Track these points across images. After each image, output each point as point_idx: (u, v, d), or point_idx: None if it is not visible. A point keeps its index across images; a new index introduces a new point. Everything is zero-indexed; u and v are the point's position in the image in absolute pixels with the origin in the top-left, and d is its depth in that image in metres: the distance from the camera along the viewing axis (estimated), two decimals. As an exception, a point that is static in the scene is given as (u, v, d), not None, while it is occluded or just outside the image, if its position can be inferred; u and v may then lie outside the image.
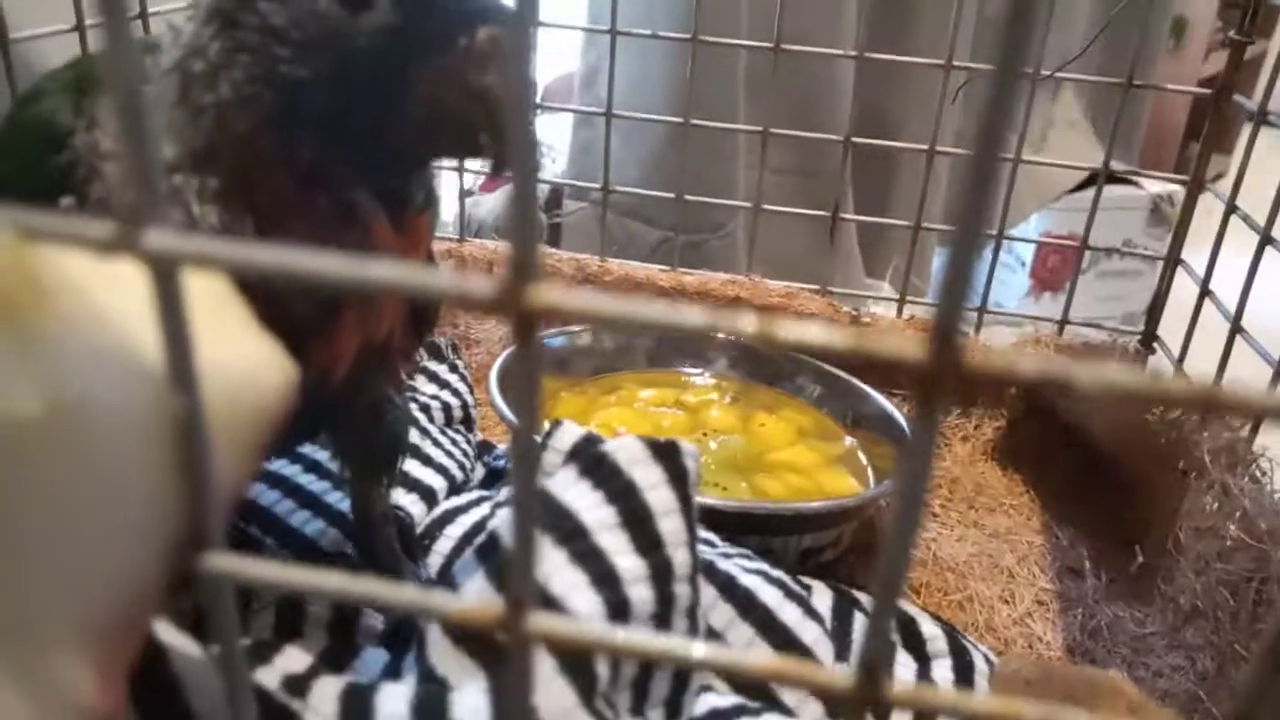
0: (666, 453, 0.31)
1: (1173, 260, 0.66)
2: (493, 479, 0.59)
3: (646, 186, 1.16)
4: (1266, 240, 0.54)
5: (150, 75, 0.30)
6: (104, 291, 0.16)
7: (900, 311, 0.72)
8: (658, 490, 0.30)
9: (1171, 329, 0.67)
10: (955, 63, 0.64)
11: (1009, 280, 2.38)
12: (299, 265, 0.15)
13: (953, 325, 0.14)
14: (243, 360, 0.19)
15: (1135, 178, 2.38)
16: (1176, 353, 0.63)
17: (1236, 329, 0.56)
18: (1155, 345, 0.67)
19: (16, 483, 0.14)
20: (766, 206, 0.71)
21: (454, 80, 0.29)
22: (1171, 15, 2.54)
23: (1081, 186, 2.15)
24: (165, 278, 0.15)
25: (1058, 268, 2.36)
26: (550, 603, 0.27)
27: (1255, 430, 0.53)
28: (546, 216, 1.51)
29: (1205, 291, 0.60)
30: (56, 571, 0.15)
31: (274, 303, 0.31)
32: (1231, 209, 0.59)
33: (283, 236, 0.30)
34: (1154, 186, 2.34)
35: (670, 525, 0.29)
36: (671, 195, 0.73)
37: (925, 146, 0.67)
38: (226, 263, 0.15)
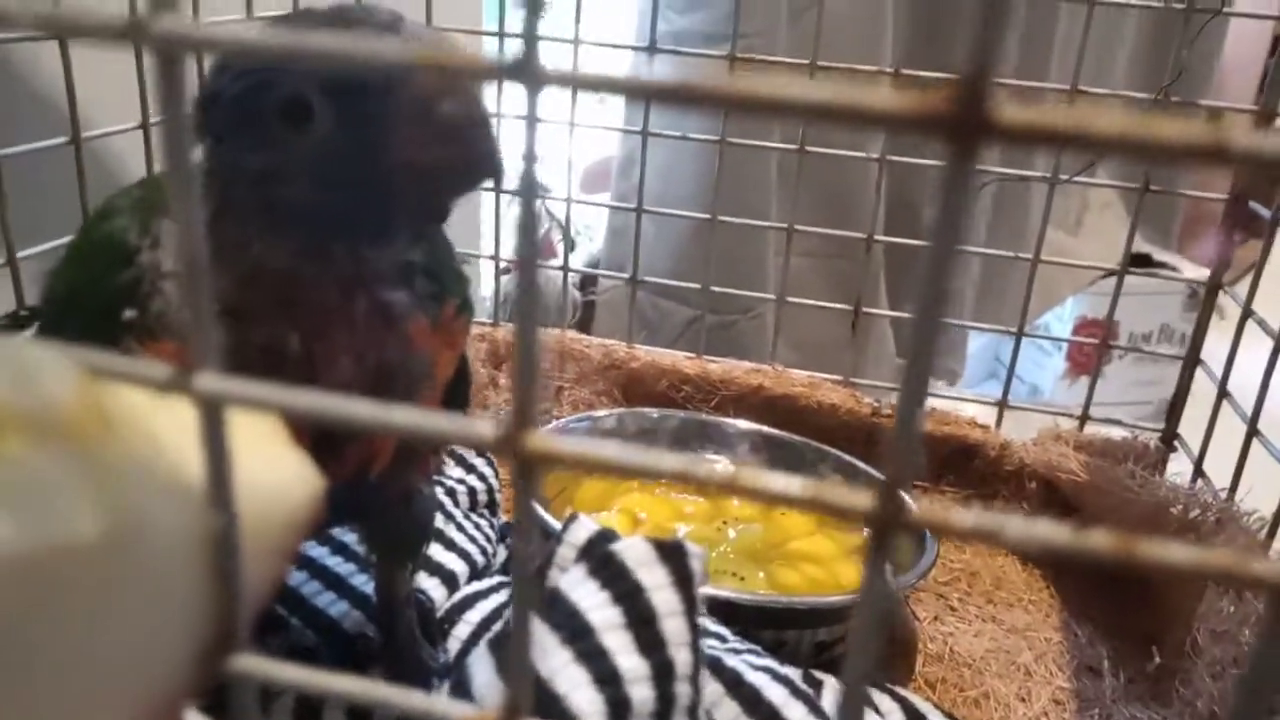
0: (673, 554, 0.33)
1: (1192, 360, 0.67)
2: (516, 561, 0.60)
3: (677, 269, 1.19)
4: (1280, 346, 0.55)
5: None
6: (157, 417, 0.18)
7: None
8: (663, 592, 0.31)
9: (1197, 424, 0.67)
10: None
11: (1044, 363, 2.37)
12: (328, 408, 0.17)
13: (902, 479, 0.15)
14: (275, 475, 0.21)
15: (1173, 261, 2.37)
16: (1197, 449, 0.64)
17: (1253, 431, 0.57)
18: (1176, 444, 0.68)
19: (69, 600, 0.16)
20: (791, 299, 0.73)
21: (413, 140, 0.30)
22: (1206, 108, 2.55)
23: (1114, 272, 2.14)
24: (213, 416, 0.17)
25: (1092, 352, 2.35)
26: (552, 700, 0.28)
27: (1272, 536, 0.53)
28: (582, 294, 1.54)
29: (1223, 393, 0.61)
30: (99, 680, 0.17)
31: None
32: (1248, 313, 0.60)
33: (326, 346, 0.32)
34: (1190, 271, 2.33)
35: (674, 626, 0.31)
36: (698, 286, 0.75)
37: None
38: (268, 404, 0.17)
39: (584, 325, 1.60)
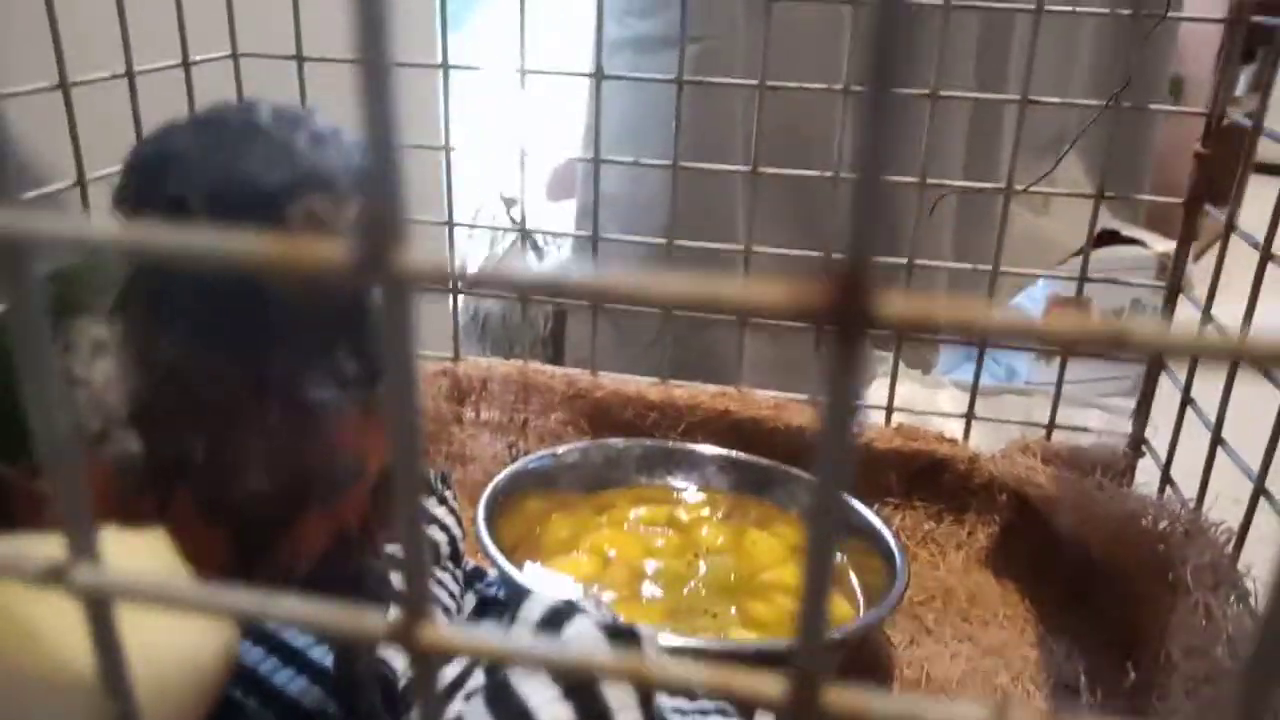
0: (626, 640, 0.32)
1: (1157, 363, 0.67)
2: (484, 608, 0.59)
3: (644, 283, 1.18)
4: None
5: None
6: (34, 604, 0.17)
7: (889, 420, 0.72)
8: (617, 686, 0.31)
9: (1166, 422, 0.66)
10: (929, 180, 0.66)
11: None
12: (218, 601, 0.16)
13: (816, 666, 0.14)
14: (180, 635, 0.20)
15: (1143, 237, 2.38)
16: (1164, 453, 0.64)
17: (1217, 439, 0.56)
18: (1144, 448, 0.68)
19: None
20: (756, 319, 0.72)
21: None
22: (1169, 76, 2.57)
23: (1085, 250, 2.15)
24: (98, 610, 0.16)
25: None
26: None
27: (1239, 547, 0.53)
28: (552, 304, 1.53)
29: (1187, 400, 0.60)
30: None
31: (232, 504, 0.32)
32: (1208, 318, 0.60)
33: (235, 454, 0.31)
34: (1160, 245, 2.34)
35: (627, 720, 0.30)
36: (658, 310, 0.74)
37: (904, 260, 0.68)
38: (157, 597, 0.16)
39: (556, 335, 1.59)
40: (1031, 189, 0.66)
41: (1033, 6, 0.61)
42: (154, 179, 0.31)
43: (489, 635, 0.15)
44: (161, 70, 0.64)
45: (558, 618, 0.35)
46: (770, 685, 0.15)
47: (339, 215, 0.30)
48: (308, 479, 0.32)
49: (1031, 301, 2.29)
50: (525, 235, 1.70)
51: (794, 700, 0.14)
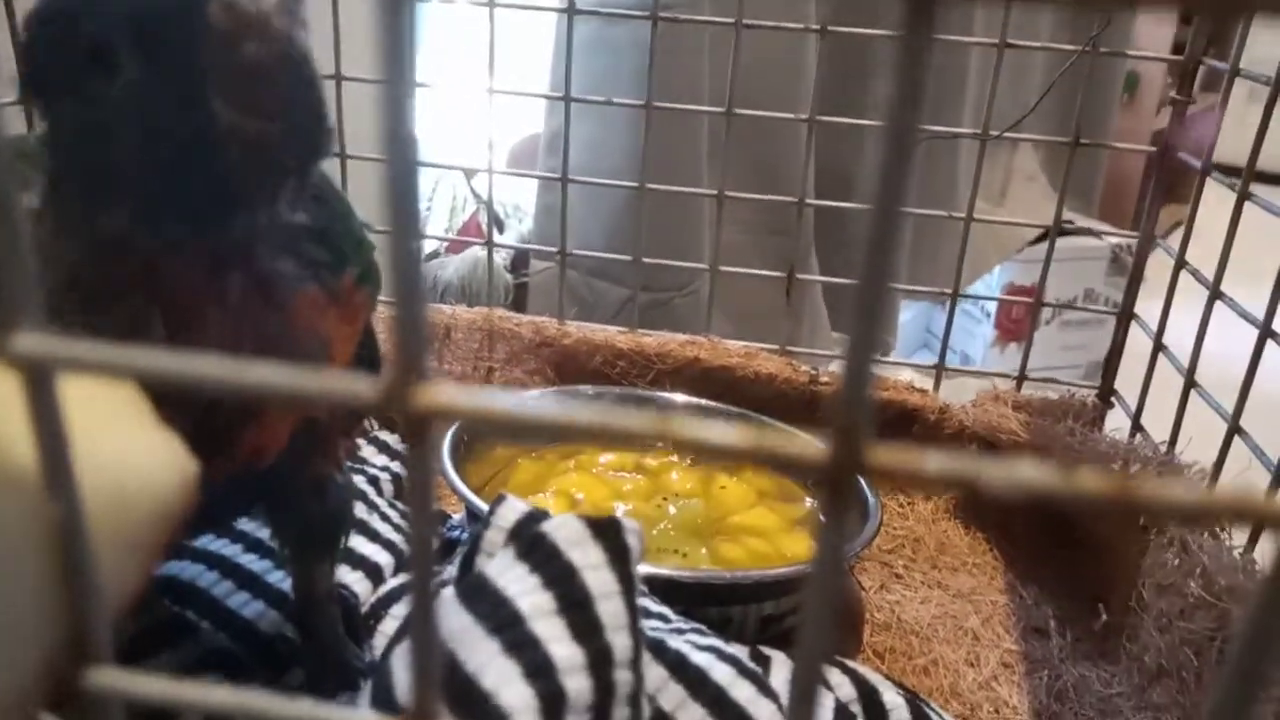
0: (607, 531, 0.30)
1: (1126, 315, 0.67)
2: (447, 550, 0.57)
3: (610, 246, 1.16)
4: (1216, 295, 0.54)
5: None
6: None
7: (859, 370, 0.71)
8: (598, 572, 0.29)
9: (1131, 380, 0.67)
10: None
11: (974, 331, 2.40)
12: (174, 366, 0.14)
13: (857, 422, 0.13)
14: (136, 458, 0.18)
15: (1096, 228, 2.42)
16: (1134, 405, 0.64)
17: (1190, 383, 0.56)
18: (1113, 399, 0.68)
19: None
20: (724, 268, 0.71)
21: (223, 96, 0.26)
22: (1124, 71, 2.62)
23: (1043, 238, 2.18)
24: (39, 383, 0.14)
25: (1022, 318, 2.39)
26: (480, 698, 0.26)
27: (1213, 485, 0.53)
28: (513, 276, 1.51)
29: (1159, 347, 0.60)
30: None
31: (190, 390, 0.30)
32: (1181, 264, 0.60)
33: (194, 328, 0.28)
34: (1114, 237, 2.38)
35: (610, 608, 0.29)
36: (630, 258, 0.73)
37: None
38: (103, 367, 0.14)
39: (517, 308, 1.56)
40: (1004, 134, 0.66)
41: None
42: (67, 29, 0.28)
43: (489, 398, 0.14)
44: None
45: (533, 519, 0.33)
46: (811, 447, 0.13)
47: (253, 29, 0.26)
48: (269, 356, 0.30)
49: (988, 289, 2.32)
50: (488, 208, 1.67)
51: (836, 458, 0.13)
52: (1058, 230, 0.67)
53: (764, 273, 0.72)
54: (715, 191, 0.70)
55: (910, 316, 2.27)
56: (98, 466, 0.16)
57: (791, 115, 0.66)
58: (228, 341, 0.29)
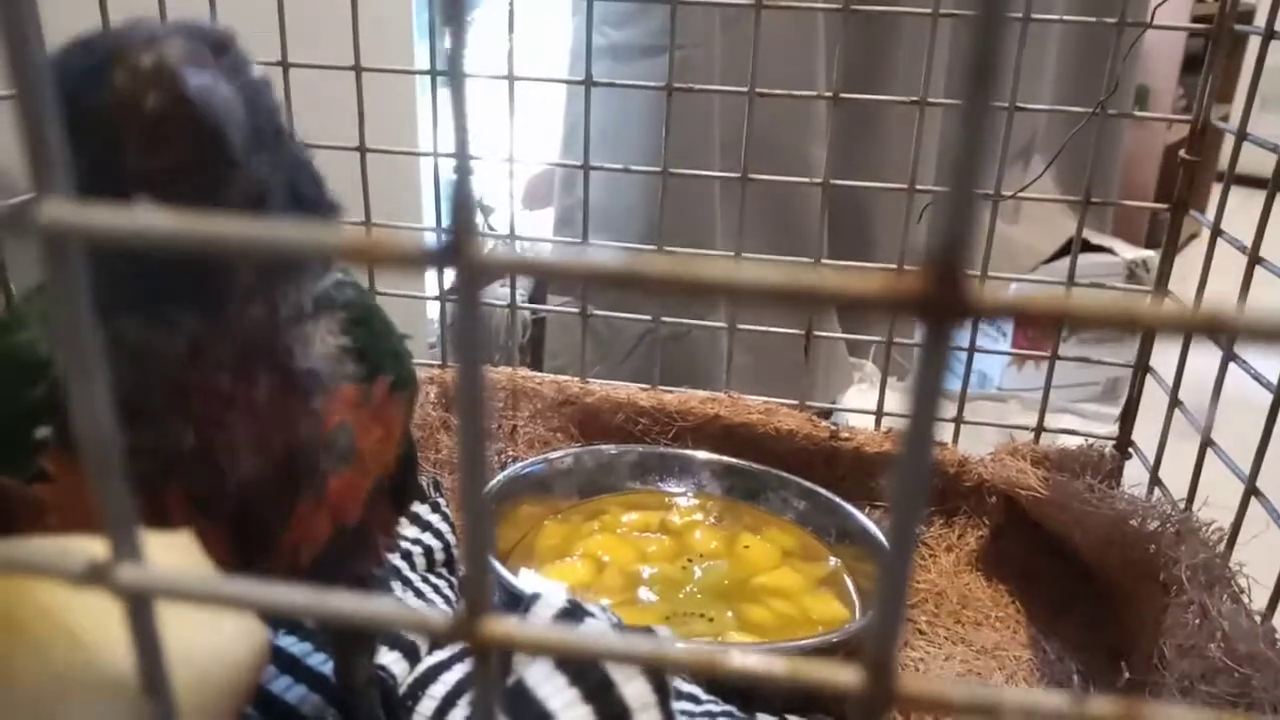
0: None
1: (1142, 367, 0.68)
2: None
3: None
4: (1230, 357, 0.55)
5: None
6: (72, 604, 0.17)
7: (878, 423, 0.73)
8: (634, 683, 0.30)
9: (1152, 419, 0.67)
10: (919, 186, 0.66)
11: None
12: (266, 598, 0.15)
13: (887, 672, 0.14)
14: (215, 638, 0.19)
15: (1110, 244, 2.41)
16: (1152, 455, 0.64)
17: (1207, 442, 0.57)
18: (1131, 450, 0.68)
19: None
20: (742, 326, 0.72)
21: (135, 148, 0.27)
22: (1135, 86, 2.62)
23: (1057, 255, 2.19)
24: (139, 608, 0.16)
25: (1038, 338, 2.38)
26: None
27: (1230, 546, 0.54)
28: (531, 313, 1.52)
29: (1174, 403, 0.61)
30: None
31: (226, 495, 0.31)
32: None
33: (225, 436, 0.30)
34: (1129, 252, 2.38)
35: (647, 720, 0.30)
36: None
37: (895, 265, 0.68)
38: (198, 594, 0.16)
39: (535, 344, 1.58)
40: (1018, 195, 0.67)
41: (1019, 15, 0.61)
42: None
43: (549, 630, 0.15)
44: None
45: (571, 615, 0.34)
46: (846, 674, 0.14)
47: (160, 50, 0.27)
48: (299, 460, 0.31)
49: (1004, 308, 2.31)
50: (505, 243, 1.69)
51: (870, 689, 0.14)
52: (1080, 245, 0.68)
53: (782, 330, 0.73)
54: (732, 254, 0.71)
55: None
56: (184, 658, 0.17)
57: (806, 180, 0.67)
58: (256, 447, 0.30)
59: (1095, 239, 2.30)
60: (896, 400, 0.97)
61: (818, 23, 1.34)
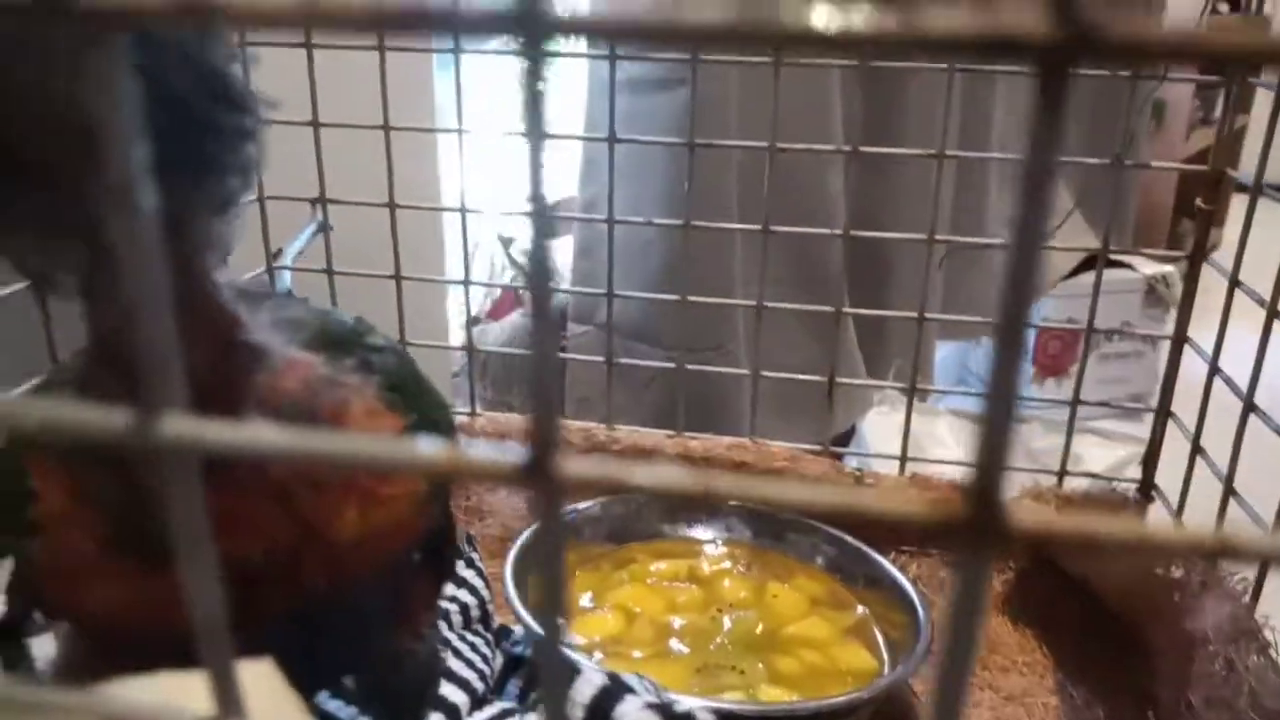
0: (682, 725, 0.33)
1: (1164, 411, 0.68)
2: (511, 667, 0.60)
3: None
4: (1250, 408, 0.56)
5: None
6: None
7: (902, 468, 0.73)
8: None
9: (1175, 461, 0.67)
10: (938, 235, 0.67)
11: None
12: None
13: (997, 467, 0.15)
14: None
15: (1130, 260, 2.41)
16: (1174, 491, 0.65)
17: (1229, 491, 0.58)
18: (1154, 494, 0.69)
19: None
20: (766, 374, 0.73)
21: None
22: (1151, 101, 2.62)
23: (1076, 272, 2.19)
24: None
25: (1059, 353, 2.38)
26: None
27: (1255, 598, 0.54)
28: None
29: (1196, 449, 0.62)
30: None
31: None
32: (1214, 370, 0.61)
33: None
34: (1148, 268, 2.38)
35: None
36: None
37: (915, 313, 0.69)
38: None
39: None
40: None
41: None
42: None
43: (618, 469, 0.16)
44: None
45: (610, 697, 0.36)
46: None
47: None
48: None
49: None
50: (526, 273, 1.71)
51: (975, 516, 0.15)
52: (1105, 260, 0.69)
53: (805, 377, 0.74)
54: (754, 303, 0.72)
55: (945, 353, 2.28)
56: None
57: (827, 230, 0.68)
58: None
59: (1115, 254, 2.29)
60: (919, 421, 0.98)
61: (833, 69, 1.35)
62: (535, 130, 0.11)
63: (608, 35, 0.10)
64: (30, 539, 0.33)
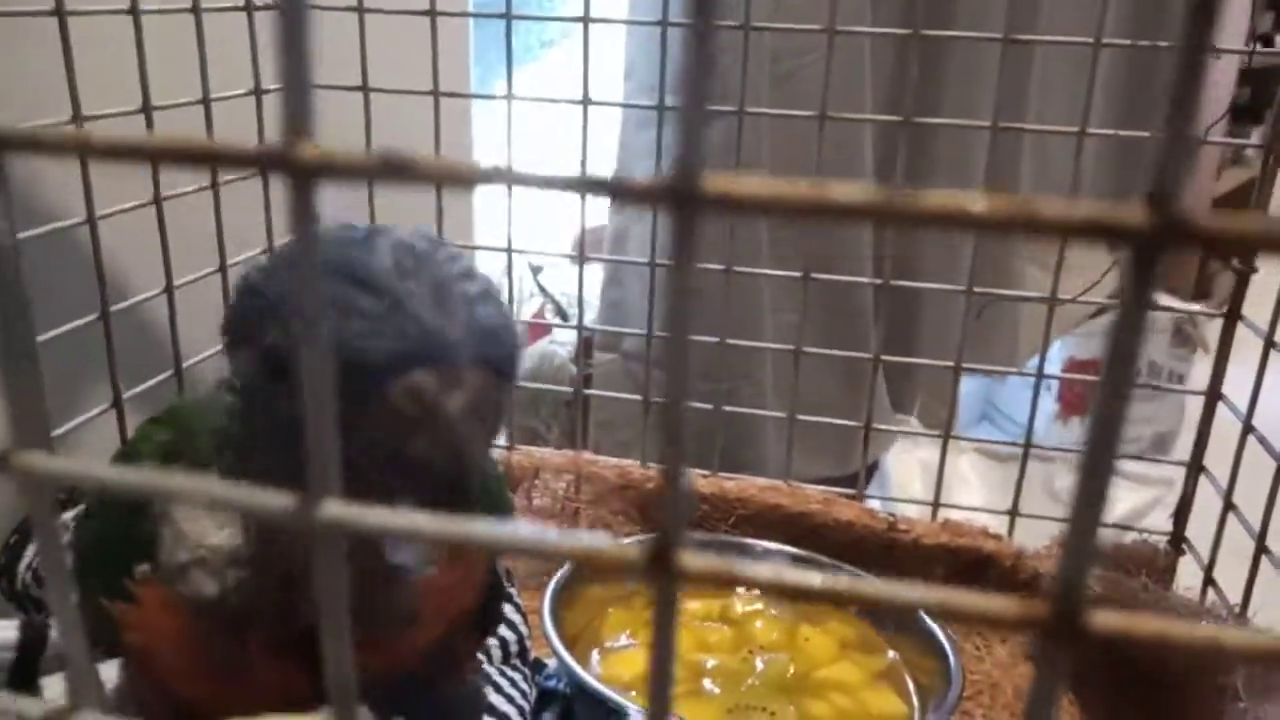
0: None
1: (1196, 466, 0.69)
2: (544, 701, 0.61)
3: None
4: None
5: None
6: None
7: (935, 515, 0.74)
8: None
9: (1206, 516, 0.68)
10: (975, 289, 0.69)
11: (1037, 404, 2.40)
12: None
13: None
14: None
15: (1155, 297, 2.42)
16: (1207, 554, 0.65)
17: (1261, 548, 0.58)
18: (1185, 547, 0.69)
19: None
20: (802, 416, 0.75)
21: (380, 451, 0.28)
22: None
23: (1103, 310, 2.18)
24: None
25: (1085, 391, 2.37)
26: None
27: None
28: (576, 367, 1.56)
29: (1229, 505, 0.63)
30: None
31: (299, 641, 0.34)
32: (1248, 428, 0.62)
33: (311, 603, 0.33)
34: (1176, 305, 2.37)
35: None
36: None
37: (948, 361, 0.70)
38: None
39: (583, 401, 1.61)
40: (1077, 299, 0.69)
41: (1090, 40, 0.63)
42: (252, 324, 0.30)
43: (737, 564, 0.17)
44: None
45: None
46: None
47: (450, 392, 0.28)
48: (365, 624, 0.35)
49: (1048, 363, 2.31)
50: (554, 301, 1.73)
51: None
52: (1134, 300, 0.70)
53: (841, 421, 0.75)
54: (791, 347, 0.73)
55: (970, 389, 2.28)
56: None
57: (865, 279, 0.69)
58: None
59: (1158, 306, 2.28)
60: (931, 456, 0.98)
61: (865, 83, 1.37)
62: (682, 293, 0.12)
63: (761, 209, 0.12)
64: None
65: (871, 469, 1.53)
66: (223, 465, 0.33)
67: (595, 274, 1.63)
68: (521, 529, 0.16)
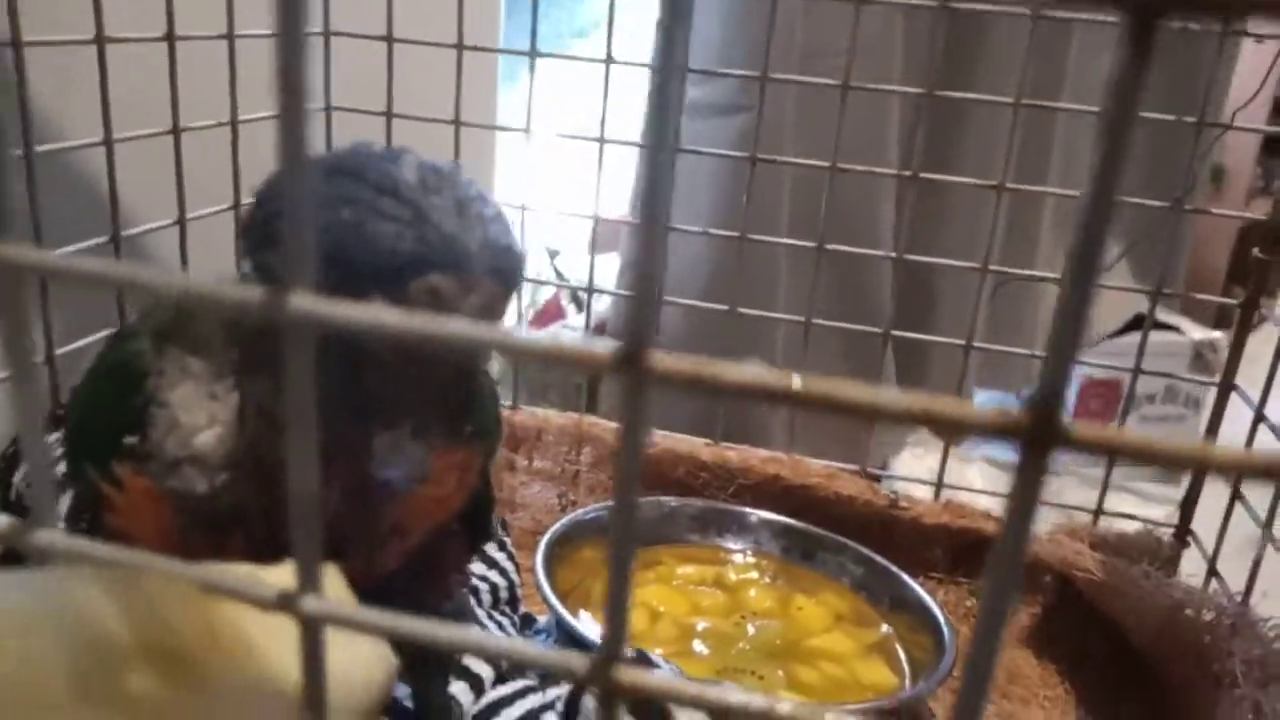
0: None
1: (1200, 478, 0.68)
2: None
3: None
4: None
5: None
6: (252, 624, 0.19)
7: (938, 494, 0.74)
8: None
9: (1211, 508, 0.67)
10: (991, 266, 0.68)
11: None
12: (418, 631, 0.18)
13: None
14: (355, 661, 0.22)
15: (1177, 322, 2.38)
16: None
17: (1267, 537, 0.57)
18: (1189, 539, 0.69)
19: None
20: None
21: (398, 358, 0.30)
22: (1211, 164, 2.60)
23: (1121, 331, 2.16)
24: (313, 634, 0.18)
25: (1100, 411, 2.36)
26: None
27: (1288, 645, 0.54)
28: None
29: (1236, 495, 0.62)
30: None
31: (277, 548, 0.34)
32: (1260, 418, 0.61)
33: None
34: (1196, 333, 2.35)
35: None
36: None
37: (962, 341, 0.70)
38: (365, 625, 0.18)
39: (593, 380, 1.61)
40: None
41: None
42: (274, 225, 0.31)
43: (678, 682, 0.17)
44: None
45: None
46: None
47: (464, 296, 0.31)
48: (349, 538, 0.34)
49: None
50: (572, 289, 1.73)
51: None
52: (1152, 323, 0.69)
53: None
54: (802, 318, 0.73)
55: (983, 401, 2.27)
56: (335, 670, 0.20)
57: (879, 251, 0.69)
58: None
59: (1162, 316, 2.27)
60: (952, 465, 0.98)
61: (892, 82, 1.37)
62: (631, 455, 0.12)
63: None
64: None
65: (879, 478, 1.52)
66: (231, 359, 0.33)
67: (612, 260, 1.63)
68: (493, 330, 0.16)
